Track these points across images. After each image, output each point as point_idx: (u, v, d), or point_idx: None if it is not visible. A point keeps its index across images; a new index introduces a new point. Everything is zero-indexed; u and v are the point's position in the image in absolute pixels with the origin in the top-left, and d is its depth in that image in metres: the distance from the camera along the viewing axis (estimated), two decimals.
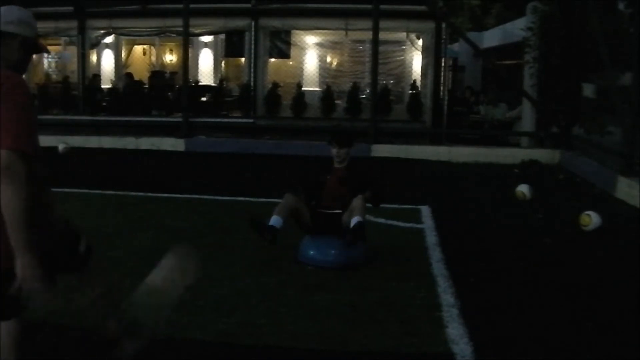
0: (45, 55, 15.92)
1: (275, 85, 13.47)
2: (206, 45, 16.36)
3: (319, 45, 14.65)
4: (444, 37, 12.85)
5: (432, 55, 12.88)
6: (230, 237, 5.64)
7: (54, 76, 15.78)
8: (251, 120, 13.23)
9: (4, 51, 2.28)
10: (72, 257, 2.46)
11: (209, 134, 12.28)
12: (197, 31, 13.66)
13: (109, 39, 15.27)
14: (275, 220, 4.83)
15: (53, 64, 16.33)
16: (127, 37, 15.79)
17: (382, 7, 11.47)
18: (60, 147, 10.78)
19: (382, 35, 11.77)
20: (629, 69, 8.81)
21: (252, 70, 13.37)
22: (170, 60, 17.43)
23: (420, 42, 13.49)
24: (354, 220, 4.73)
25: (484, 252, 5.45)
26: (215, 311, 3.92)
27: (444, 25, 12.70)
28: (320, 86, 14.07)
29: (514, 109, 13.51)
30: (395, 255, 5.20)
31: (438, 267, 4.89)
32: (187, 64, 12.64)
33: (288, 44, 14.13)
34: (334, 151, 5.10)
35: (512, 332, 3.71)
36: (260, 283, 4.45)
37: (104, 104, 14.11)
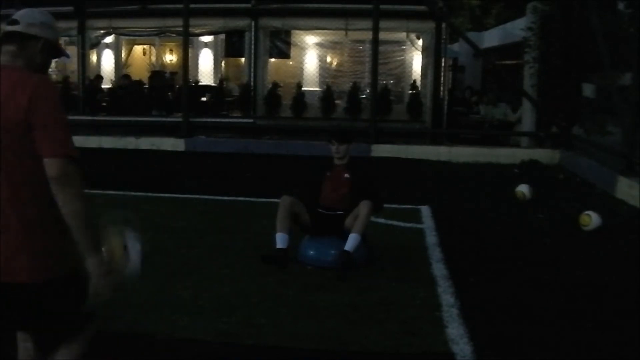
0: None
1: (275, 85, 13.47)
2: (206, 45, 16.35)
3: (319, 45, 14.64)
4: (444, 37, 12.84)
5: (432, 55, 12.88)
6: (230, 237, 5.64)
7: (54, 76, 15.77)
8: (251, 120, 13.22)
9: (27, 54, 2.28)
10: None
11: (209, 134, 12.27)
12: (197, 31, 13.65)
13: (109, 39, 15.26)
14: (280, 240, 4.78)
15: (53, 64, 16.32)
16: (127, 37, 15.78)
17: (382, 7, 11.46)
18: None
19: (382, 35, 11.76)
20: (629, 69, 8.81)
21: (252, 70, 13.36)
22: (170, 60, 17.42)
23: (420, 42, 13.49)
24: (349, 241, 4.68)
25: (484, 252, 5.45)
26: (215, 311, 3.92)
27: (444, 25, 12.70)
28: (320, 86, 14.07)
29: (514, 108, 13.51)
30: (395, 255, 5.20)
31: (438, 267, 4.89)
32: (187, 64, 12.63)
33: (288, 44, 14.13)
34: (333, 148, 5.09)
35: (512, 332, 3.71)
36: (260, 283, 4.45)
37: (104, 104, 14.11)
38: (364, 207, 4.75)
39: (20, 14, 2.32)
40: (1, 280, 2.15)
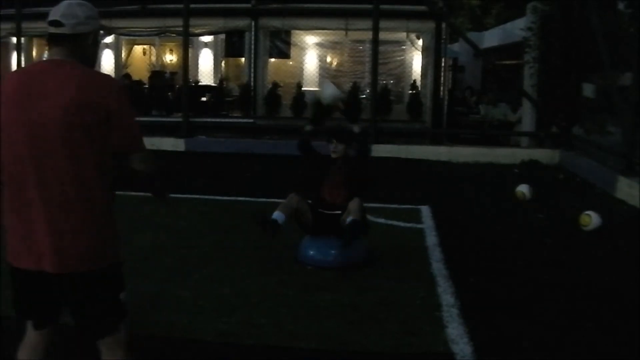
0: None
1: (275, 85, 13.48)
2: (206, 45, 16.35)
3: (319, 45, 14.65)
4: (444, 37, 12.84)
5: (432, 55, 12.88)
6: (230, 237, 5.65)
7: None
8: (251, 120, 13.23)
9: (80, 50, 2.29)
10: None
11: (209, 134, 12.28)
12: (197, 31, 13.65)
13: (109, 39, 15.26)
14: (277, 215, 4.83)
15: None
16: (127, 37, 15.77)
17: (382, 7, 11.45)
18: None
19: (382, 35, 11.75)
20: (629, 69, 8.80)
21: (252, 70, 13.37)
22: (170, 60, 17.42)
23: (420, 42, 13.49)
24: (349, 219, 4.75)
25: (484, 252, 5.45)
26: (216, 311, 3.92)
27: (444, 25, 12.70)
28: (320, 86, 14.05)
29: (514, 108, 13.51)
30: (395, 255, 5.20)
31: (438, 267, 4.89)
32: (187, 64, 12.62)
33: (288, 44, 14.14)
34: (332, 146, 5.13)
35: (512, 332, 3.71)
36: (260, 283, 4.46)
37: None
38: (353, 202, 4.83)
39: (61, 13, 2.25)
40: (56, 272, 2.21)
